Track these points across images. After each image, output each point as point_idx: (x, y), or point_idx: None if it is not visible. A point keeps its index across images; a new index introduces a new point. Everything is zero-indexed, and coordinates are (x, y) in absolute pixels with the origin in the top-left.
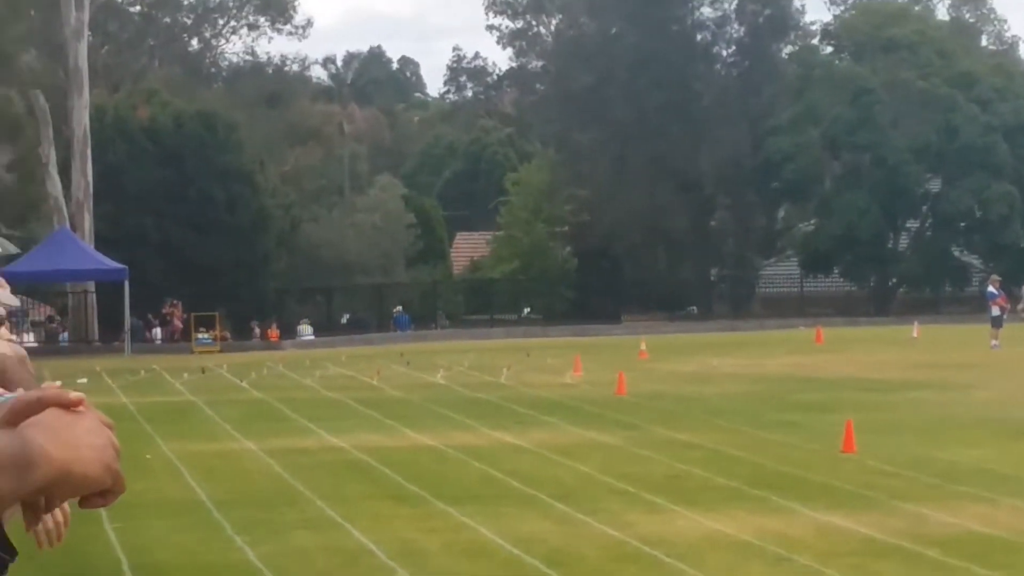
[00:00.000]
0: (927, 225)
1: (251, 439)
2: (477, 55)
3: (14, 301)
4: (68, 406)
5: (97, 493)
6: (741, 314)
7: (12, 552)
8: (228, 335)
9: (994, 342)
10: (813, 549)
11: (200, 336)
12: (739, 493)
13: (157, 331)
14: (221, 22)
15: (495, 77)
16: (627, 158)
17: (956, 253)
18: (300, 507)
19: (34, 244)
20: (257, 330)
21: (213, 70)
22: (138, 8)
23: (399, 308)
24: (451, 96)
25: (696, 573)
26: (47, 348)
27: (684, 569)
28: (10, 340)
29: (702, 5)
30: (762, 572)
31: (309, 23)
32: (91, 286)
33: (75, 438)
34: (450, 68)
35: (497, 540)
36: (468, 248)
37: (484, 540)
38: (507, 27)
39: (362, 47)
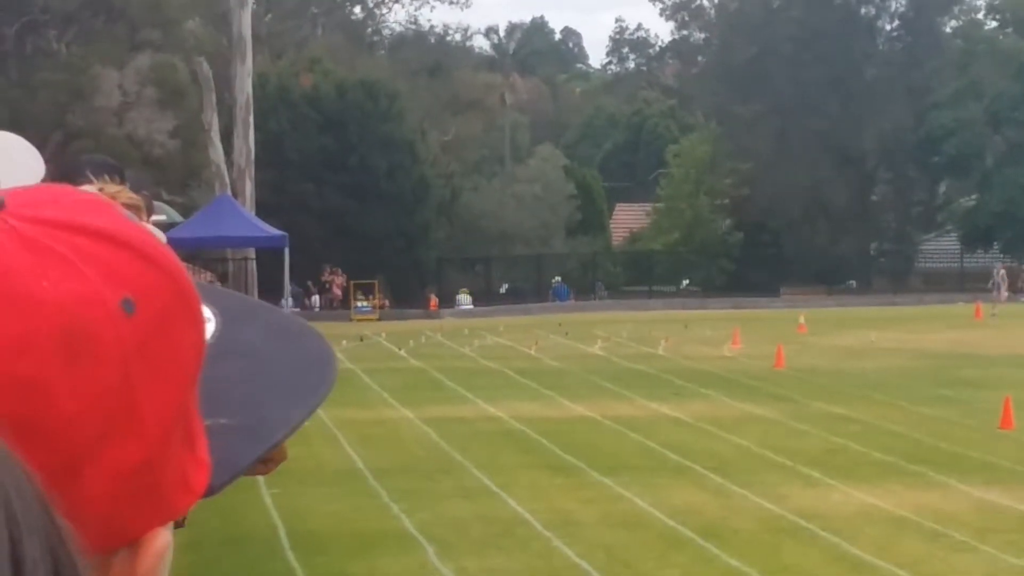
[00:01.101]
0: None
1: (408, 407)
2: (639, 26)
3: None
4: None
5: (259, 460)
6: (900, 289)
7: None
8: (387, 303)
9: None
10: (969, 525)
11: (359, 304)
12: (895, 468)
13: (316, 298)
14: None
15: (657, 49)
16: (788, 132)
17: None
18: (456, 476)
19: (195, 210)
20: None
21: (376, 39)
22: None
23: (558, 279)
24: (613, 67)
25: (851, 547)
26: None
27: (839, 543)
28: None
29: None
30: (917, 547)
31: None
32: (251, 253)
33: None
34: (612, 39)
35: (653, 511)
36: (628, 219)
37: (640, 511)
38: None
39: (524, 17)
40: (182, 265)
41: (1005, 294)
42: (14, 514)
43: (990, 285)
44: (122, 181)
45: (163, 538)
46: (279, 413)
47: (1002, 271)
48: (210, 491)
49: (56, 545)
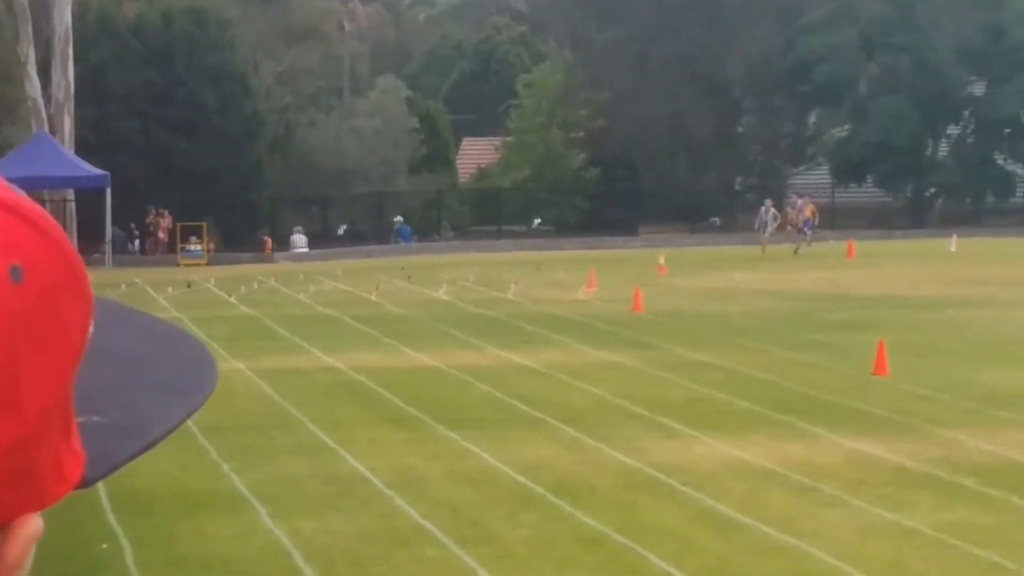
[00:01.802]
0: (969, 131)
1: (240, 359)
2: None
3: None
4: None
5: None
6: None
7: None
8: (212, 247)
9: None
10: (840, 478)
11: (189, 248)
12: (762, 418)
13: (137, 242)
14: None
15: None
16: (648, 59)
17: (999, 161)
18: (291, 431)
19: (10, 149)
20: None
21: None
22: None
23: (400, 219)
24: None
25: (715, 503)
26: None
27: (701, 499)
28: None
29: None
30: (785, 502)
31: None
32: (70, 194)
33: None
34: None
35: (502, 467)
36: (475, 155)
37: (488, 467)
38: None
39: None
40: (71, 240)
41: (767, 233)
42: None
43: (757, 225)
44: None
45: (35, 524)
46: (158, 413)
47: (772, 209)
48: (85, 483)
49: None
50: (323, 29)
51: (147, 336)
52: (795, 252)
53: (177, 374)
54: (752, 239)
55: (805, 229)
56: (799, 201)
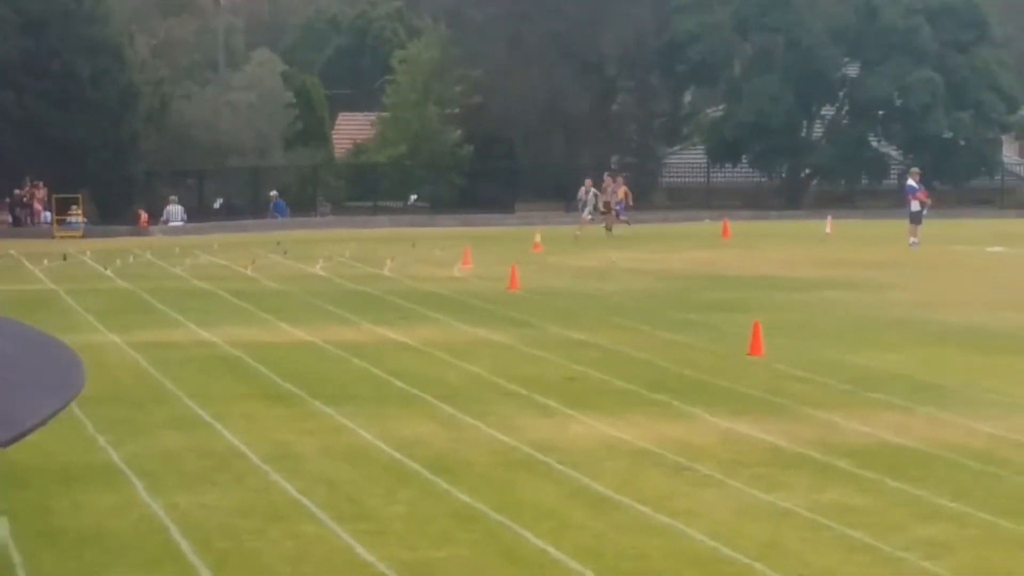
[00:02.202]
0: (843, 113)
1: (115, 332)
2: None
3: None
4: None
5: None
6: (643, 205)
7: None
8: (85, 219)
9: (913, 239)
10: (716, 458)
11: (70, 219)
12: (638, 397)
13: (9, 216)
14: None
15: None
16: (523, 36)
17: (874, 143)
18: (167, 405)
19: None
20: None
21: None
22: None
23: (275, 193)
24: None
25: (590, 482)
26: None
27: (577, 477)
28: None
29: None
30: (661, 481)
31: None
32: None
33: None
34: None
35: (378, 443)
36: (351, 130)
37: (364, 443)
38: None
39: None
40: None
41: (588, 216)
42: None
43: (580, 206)
44: None
45: None
46: (29, 406)
47: (592, 189)
48: None
49: None
50: (198, 2)
51: (20, 340)
52: (575, 237)
53: (48, 373)
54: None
55: (618, 210)
56: (612, 182)
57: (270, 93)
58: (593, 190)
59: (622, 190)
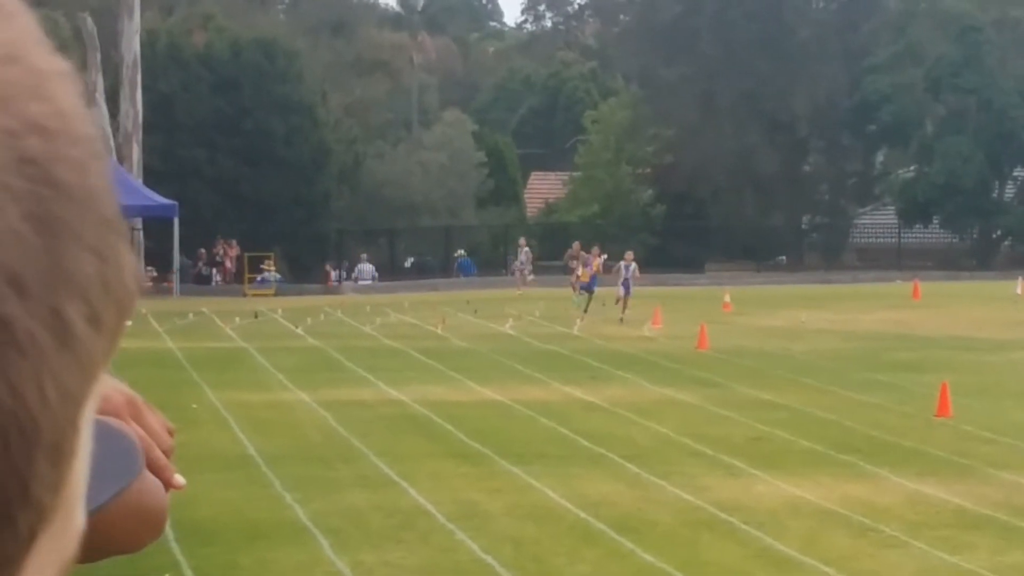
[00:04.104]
0: None
1: (305, 390)
2: None
3: None
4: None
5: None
6: (833, 265)
7: None
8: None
9: None
10: (901, 519)
11: (262, 276)
12: (824, 458)
13: (214, 272)
14: None
15: (576, 6)
16: (715, 96)
17: None
18: (355, 463)
19: None
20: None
21: None
22: None
23: (461, 252)
24: (529, 26)
25: (774, 542)
26: None
27: (761, 537)
28: None
29: None
30: (845, 542)
31: None
32: (138, 223)
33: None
34: None
35: (564, 503)
36: (543, 189)
37: (550, 503)
38: None
39: None
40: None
41: (529, 277)
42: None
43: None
44: None
45: None
46: (89, 493)
47: (525, 247)
48: None
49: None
50: (392, 62)
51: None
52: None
53: (106, 461)
54: (815, 278)
55: (593, 285)
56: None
57: (462, 152)
58: (526, 248)
59: (596, 263)
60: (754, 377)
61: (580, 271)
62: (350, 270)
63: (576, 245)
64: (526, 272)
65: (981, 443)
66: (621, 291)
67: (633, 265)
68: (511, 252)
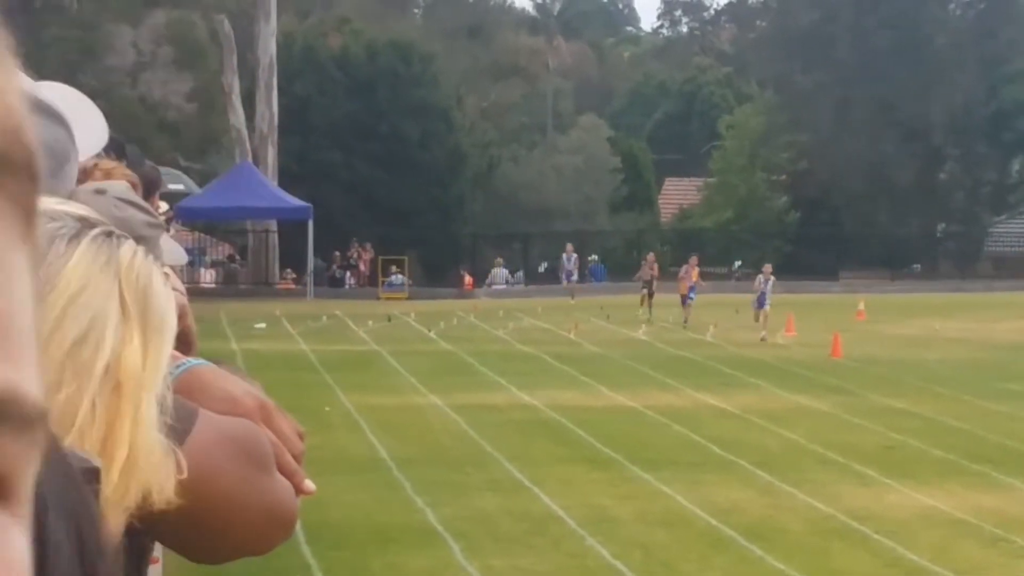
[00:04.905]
0: None
1: (437, 393)
2: None
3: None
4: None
5: None
6: (968, 274)
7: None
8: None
9: None
10: None
11: (394, 277)
12: (957, 467)
13: (348, 275)
14: None
15: (712, 12)
16: (851, 103)
17: None
18: (486, 468)
19: (214, 178)
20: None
21: None
22: None
23: (594, 257)
24: (665, 31)
25: (906, 552)
26: (225, 290)
27: (893, 547)
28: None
29: None
30: (977, 553)
31: None
32: (273, 225)
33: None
34: (664, 1)
35: (694, 509)
36: (677, 195)
37: (680, 509)
38: None
39: None
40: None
41: (575, 282)
42: (42, 494)
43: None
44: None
45: None
46: None
47: (574, 254)
48: None
49: (84, 528)
50: (528, 66)
51: None
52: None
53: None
54: (949, 287)
55: (690, 296)
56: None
57: (597, 157)
58: (575, 255)
59: (695, 272)
60: (887, 385)
61: (681, 284)
62: (485, 274)
63: (650, 256)
64: (573, 279)
65: None
66: (760, 306)
67: (772, 279)
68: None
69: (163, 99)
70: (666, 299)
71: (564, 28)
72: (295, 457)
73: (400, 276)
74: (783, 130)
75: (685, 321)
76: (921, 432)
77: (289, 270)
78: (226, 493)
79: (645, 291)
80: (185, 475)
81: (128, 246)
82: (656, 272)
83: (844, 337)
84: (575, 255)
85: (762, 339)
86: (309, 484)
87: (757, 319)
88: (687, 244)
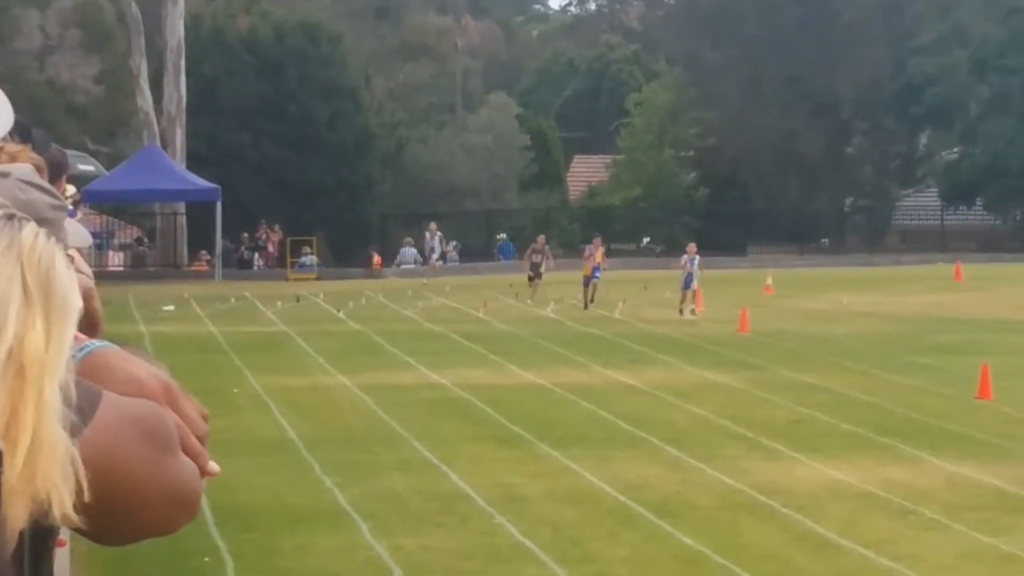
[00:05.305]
0: None
1: (346, 374)
2: None
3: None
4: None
5: None
6: (876, 248)
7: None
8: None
9: None
10: (941, 501)
11: (304, 258)
12: (865, 440)
13: (256, 256)
14: None
15: None
16: (759, 79)
17: None
18: (395, 447)
19: (122, 161)
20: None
21: None
22: None
23: (503, 235)
24: (573, 9)
25: (814, 525)
26: (134, 272)
27: (802, 521)
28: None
29: None
30: (885, 525)
31: None
32: (181, 207)
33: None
34: None
35: (604, 486)
36: (586, 172)
37: (590, 486)
38: None
39: None
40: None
41: (438, 263)
42: None
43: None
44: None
45: None
46: None
47: (438, 232)
48: None
49: None
50: (436, 46)
51: None
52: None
53: None
54: (857, 260)
55: (595, 276)
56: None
57: (506, 136)
58: (439, 233)
59: (600, 251)
60: (795, 360)
61: (585, 265)
62: (393, 254)
63: (541, 239)
64: (435, 259)
65: (1022, 425)
66: (687, 287)
67: (697, 258)
68: (554, 236)
69: (71, 82)
70: (575, 276)
71: (472, 7)
72: (199, 439)
73: (312, 257)
74: (691, 106)
75: (585, 305)
76: (829, 406)
77: (204, 252)
78: (130, 474)
79: (531, 275)
80: (87, 499)
81: (30, 228)
82: (548, 256)
83: (752, 312)
84: (439, 234)
85: (692, 311)
86: (213, 466)
87: (684, 299)
88: (596, 221)
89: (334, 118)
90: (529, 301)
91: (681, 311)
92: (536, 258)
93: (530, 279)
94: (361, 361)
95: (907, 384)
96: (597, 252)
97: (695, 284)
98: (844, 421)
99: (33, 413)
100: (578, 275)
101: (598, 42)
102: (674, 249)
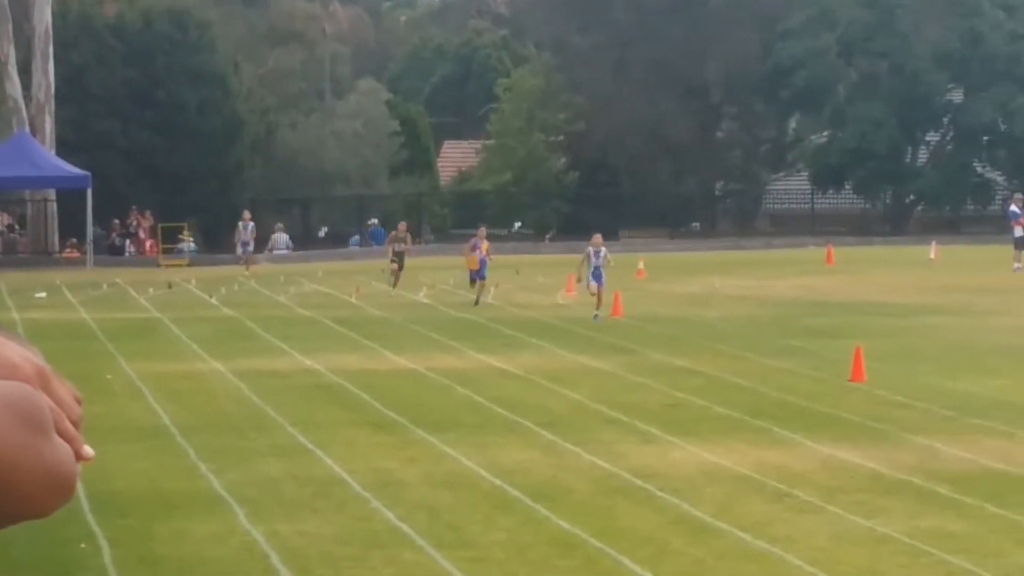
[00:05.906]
0: (948, 138)
1: (219, 360)
2: None
3: None
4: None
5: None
6: (747, 232)
7: None
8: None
9: (1017, 264)
10: (816, 484)
11: (177, 247)
12: (739, 423)
13: (128, 243)
14: None
15: None
16: (627, 63)
17: (978, 169)
18: (270, 433)
19: None
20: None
21: None
22: None
23: (374, 220)
24: None
25: (691, 508)
26: (5, 259)
27: (678, 504)
28: None
29: None
30: (761, 508)
31: None
32: (51, 194)
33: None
34: None
35: (480, 471)
36: (456, 158)
37: (466, 471)
38: None
39: None
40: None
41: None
42: None
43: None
44: None
45: None
46: None
47: (251, 223)
48: None
49: None
50: (305, 32)
51: None
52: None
53: None
54: (728, 244)
55: (482, 274)
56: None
57: (375, 122)
58: (252, 224)
59: (485, 244)
60: (668, 344)
61: (467, 256)
62: (264, 240)
63: (401, 225)
64: (249, 249)
65: (895, 408)
66: (594, 285)
67: (604, 250)
68: (425, 220)
69: None
70: (447, 261)
71: None
72: (74, 422)
73: (191, 243)
74: (560, 91)
75: (477, 301)
76: (703, 390)
77: (74, 240)
78: (4, 457)
79: (395, 264)
80: None
81: None
82: (408, 244)
83: (625, 296)
84: (252, 223)
85: (595, 317)
86: (88, 450)
87: (593, 293)
88: (467, 207)
89: (203, 104)
90: (392, 291)
91: (596, 315)
92: (399, 247)
93: (393, 269)
94: (234, 347)
95: (780, 367)
96: (483, 244)
97: (604, 279)
98: (718, 404)
99: None
100: (451, 260)
101: (466, 27)
102: (544, 233)
